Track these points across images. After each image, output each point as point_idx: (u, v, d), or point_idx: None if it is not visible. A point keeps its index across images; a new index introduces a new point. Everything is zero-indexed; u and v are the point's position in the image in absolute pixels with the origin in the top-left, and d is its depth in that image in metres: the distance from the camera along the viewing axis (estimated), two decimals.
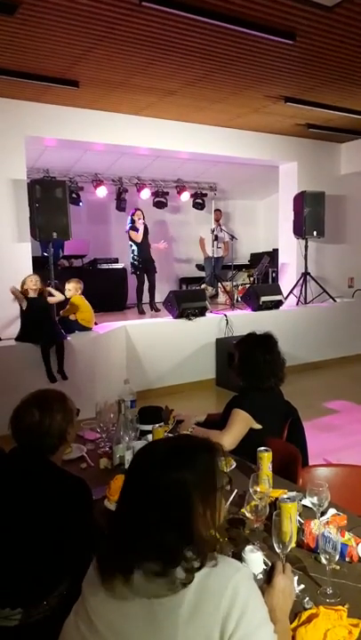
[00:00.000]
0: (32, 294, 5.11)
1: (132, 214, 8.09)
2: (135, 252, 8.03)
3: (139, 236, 7.93)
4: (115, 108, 6.14)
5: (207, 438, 1.34)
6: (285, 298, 7.40)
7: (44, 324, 5.05)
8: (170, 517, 1.15)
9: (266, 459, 2.00)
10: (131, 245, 8.08)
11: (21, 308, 5.11)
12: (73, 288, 5.68)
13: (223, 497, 1.28)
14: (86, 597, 1.24)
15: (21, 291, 5.11)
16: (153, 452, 1.27)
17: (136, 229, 7.94)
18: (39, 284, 5.16)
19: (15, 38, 4.17)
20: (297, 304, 7.70)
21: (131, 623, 1.14)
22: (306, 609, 1.40)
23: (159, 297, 7.75)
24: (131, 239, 8.03)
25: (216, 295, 8.97)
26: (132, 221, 8.02)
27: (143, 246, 8.00)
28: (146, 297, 8.07)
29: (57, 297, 5.34)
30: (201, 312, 6.60)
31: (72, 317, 5.58)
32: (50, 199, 5.72)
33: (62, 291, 5.73)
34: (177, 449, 1.26)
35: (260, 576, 1.51)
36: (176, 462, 1.21)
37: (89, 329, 5.66)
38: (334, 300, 7.85)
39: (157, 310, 7.81)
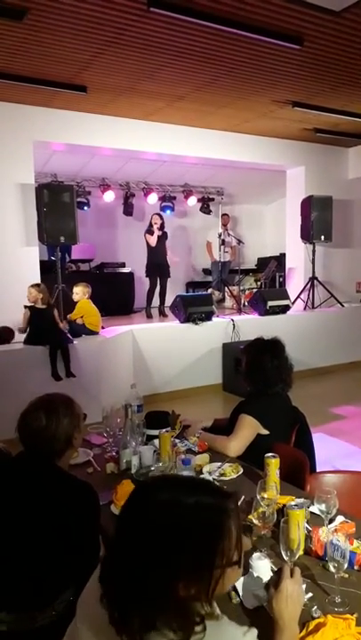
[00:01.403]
0: (39, 305, 5.13)
1: (151, 218, 8.17)
2: (149, 256, 8.10)
3: (153, 240, 7.99)
4: (122, 113, 6.16)
5: (228, 492, 1.14)
6: (293, 303, 7.38)
7: (47, 334, 5.08)
8: (148, 572, 0.98)
9: (273, 465, 1.98)
10: (147, 248, 8.16)
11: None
12: (80, 292, 5.70)
13: (227, 574, 1.04)
14: (77, 622, 1.18)
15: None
16: (156, 491, 1.08)
17: (151, 233, 8.00)
18: (36, 294, 5.15)
19: (24, 44, 4.20)
20: (304, 309, 7.67)
21: None
22: (314, 618, 1.38)
23: (167, 301, 7.76)
24: (146, 242, 8.08)
25: (223, 300, 8.96)
26: (150, 225, 8.09)
27: (158, 251, 8.05)
28: (156, 301, 8.11)
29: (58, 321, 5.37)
30: (208, 316, 6.58)
31: (79, 321, 5.60)
32: (57, 203, 5.75)
33: (70, 294, 5.76)
34: (180, 497, 1.05)
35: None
36: (171, 515, 1.01)
37: (96, 333, 5.68)
38: (342, 305, 7.81)
39: (165, 315, 7.82)
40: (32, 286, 5.21)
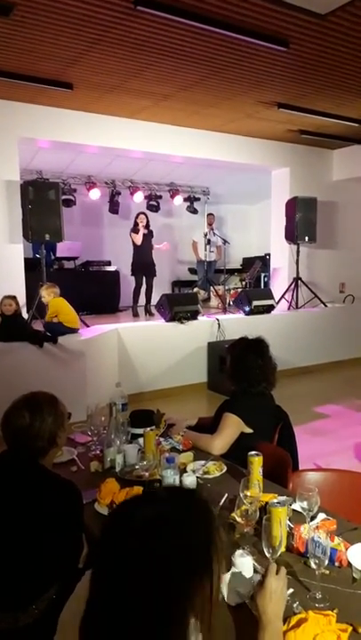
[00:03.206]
0: (7, 313, 5.12)
1: (136, 217, 8.15)
2: (135, 255, 8.08)
3: (138, 239, 7.97)
4: (109, 111, 6.14)
5: (201, 498, 1.05)
6: (277, 302, 7.43)
7: (20, 338, 5.08)
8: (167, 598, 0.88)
9: (256, 463, 2.00)
10: (133, 247, 8.14)
11: None
12: (46, 293, 5.54)
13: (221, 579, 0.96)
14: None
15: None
16: (131, 519, 0.95)
17: (137, 232, 7.98)
18: (15, 306, 5.15)
19: (10, 40, 4.17)
20: (288, 309, 7.73)
21: None
22: (295, 613, 1.39)
23: (154, 300, 7.75)
24: (132, 241, 8.06)
25: (208, 299, 8.99)
26: (135, 224, 8.07)
27: (143, 249, 8.04)
28: (142, 300, 8.10)
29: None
30: (193, 315, 6.60)
31: (55, 320, 5.53)
32: (43, 201, 5.72)
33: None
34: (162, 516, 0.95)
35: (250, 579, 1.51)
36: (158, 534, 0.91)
37: (74, 330, 5.62)
38: (325, 306, 7.89)
39: (151, 314, 7.82)
40: (9, 298, 5.16)
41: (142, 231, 7.99)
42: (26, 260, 5.98)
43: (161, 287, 9.30)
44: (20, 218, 5.70)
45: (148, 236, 8.12)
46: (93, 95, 5.56)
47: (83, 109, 6.03)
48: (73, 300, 5.76)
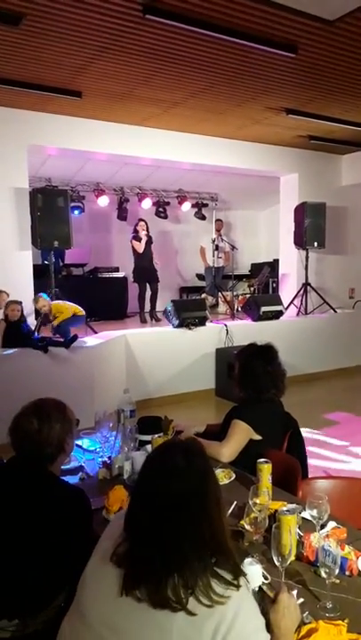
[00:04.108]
0: (15, 319, 5.15)
1: (136, 224, 8.15)
2: (137, 262, 8.08)
3: (141, 246, 7.99)
4: (117, 119, 6.18)
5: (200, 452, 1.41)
6: (286, 308, 7.40)
7: (22, 344, 5.09)
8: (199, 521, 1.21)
9: (266, 470, 1.98)
10: (133, 254, 8.14)
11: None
12: (45, 303, 5.56)
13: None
14: (79, 598, 1.27)
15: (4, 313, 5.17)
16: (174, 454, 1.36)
17: (139, 239, 8.00)
18: (21, 310, 5.21)
19: (19, 49, 4.22)
20: (297, 314, 7.70)
21: (128, 620, 1.17)
22: (305, 623, 1.38)
23: (160, 306, 7.77)
24: (133, 248, 8.08)
25: (216, 305, 8.98)
26: (136, 231, 8.09)
27: (145, 256, 8.05)
28: (148, 306, 8.10)
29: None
30: (201, 322, 6.59)
31: (65, 317, 5.55)
32: (51, 208, 5.76)
33: (62, 299, 5.75)
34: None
35: (258, 588, 1.49)
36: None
37: (83, 316, 5.66)
38: (335, 311, 7.84)
39: (158, 320, 7.82)
40: (16, 303, 5.18)
41: (144, 238, 8.00)
42: (35, 266, 6.02)
43: (169, 293, 9.32)
44: (28, 225, 5.75)
45: (149, 242, 8.13)
46: (102, 103, 5.60)
47: (91, 117, 6.08)
48: (81, 306, 5.79)
